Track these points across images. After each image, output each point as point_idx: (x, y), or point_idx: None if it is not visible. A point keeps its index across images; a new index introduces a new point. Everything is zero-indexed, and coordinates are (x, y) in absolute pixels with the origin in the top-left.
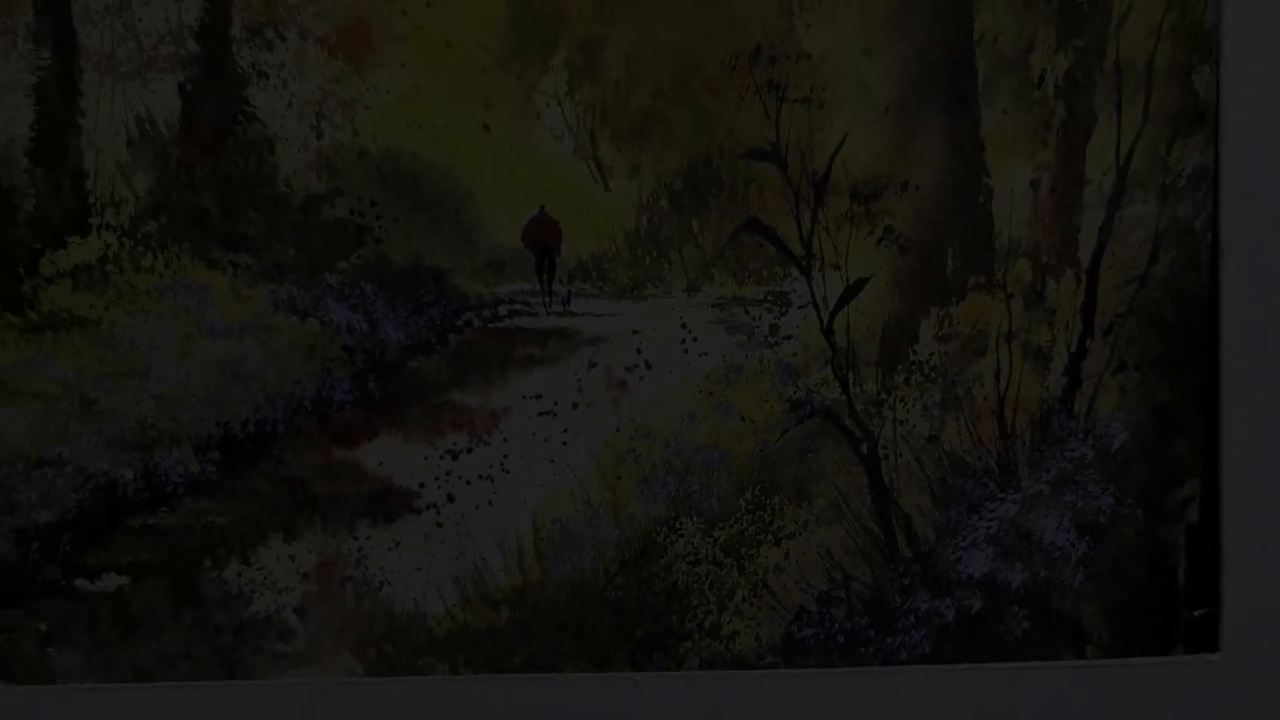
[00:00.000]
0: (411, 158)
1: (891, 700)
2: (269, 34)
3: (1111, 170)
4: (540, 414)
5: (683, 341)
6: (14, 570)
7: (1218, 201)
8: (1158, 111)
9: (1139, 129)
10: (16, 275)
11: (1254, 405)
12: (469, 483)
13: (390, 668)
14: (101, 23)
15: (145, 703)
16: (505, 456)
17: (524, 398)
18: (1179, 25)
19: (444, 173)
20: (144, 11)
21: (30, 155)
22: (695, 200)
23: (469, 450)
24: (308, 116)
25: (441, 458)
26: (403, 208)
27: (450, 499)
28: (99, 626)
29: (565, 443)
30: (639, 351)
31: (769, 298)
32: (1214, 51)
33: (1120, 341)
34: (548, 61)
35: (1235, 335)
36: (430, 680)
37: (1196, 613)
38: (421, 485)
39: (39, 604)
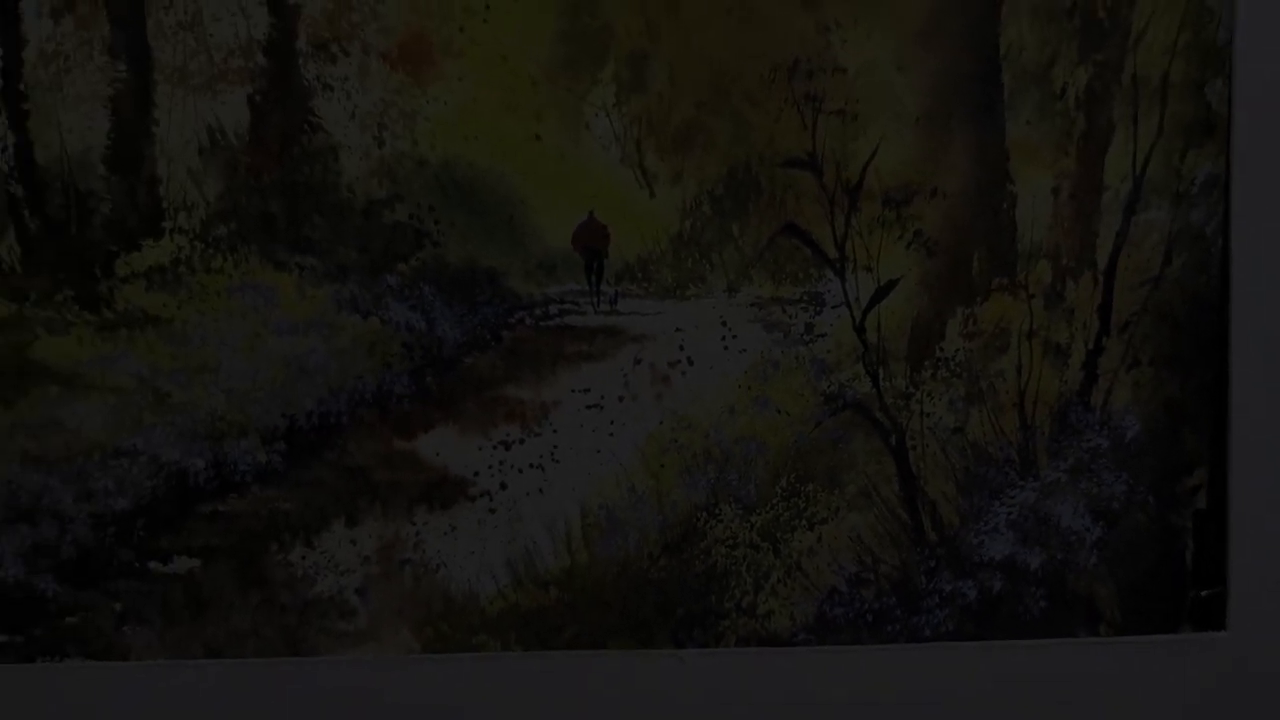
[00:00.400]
0: (468, 166)
1: (917, 675)
2: (333, 49)
3: (1128, 178)
4: (588, 407)
5: (723, 339)
6: (91, 554)
7: (1228, 208)
8: (1172, 123)
9: (1154, 139)
10: (93, 276)
11: (1259, 400)
12: (520, 471)
13: (446, 645)
14: (174, 37)
15: (215, 678)
16: (555, 447)
17: (573, 391)
18: (1193, 42)
19: (498, 180)
20: (215, 27)
21: (106, 162)
22: (735, 205)
23: (521, 441)
24: (370, 126)
25: (495, 448)
26: (459, 213)
27: (503, 486)
28: (171, 606)
29: (612, 434)
30: (681, 348)
31: (804, 298)
32: (1226, 66)
33: (1135, 339)
34: (596, 75)
35: (1243, 334)
36: (483, 657)
37: (1204, 593)
38: (476, 474)
39: (115, 585)
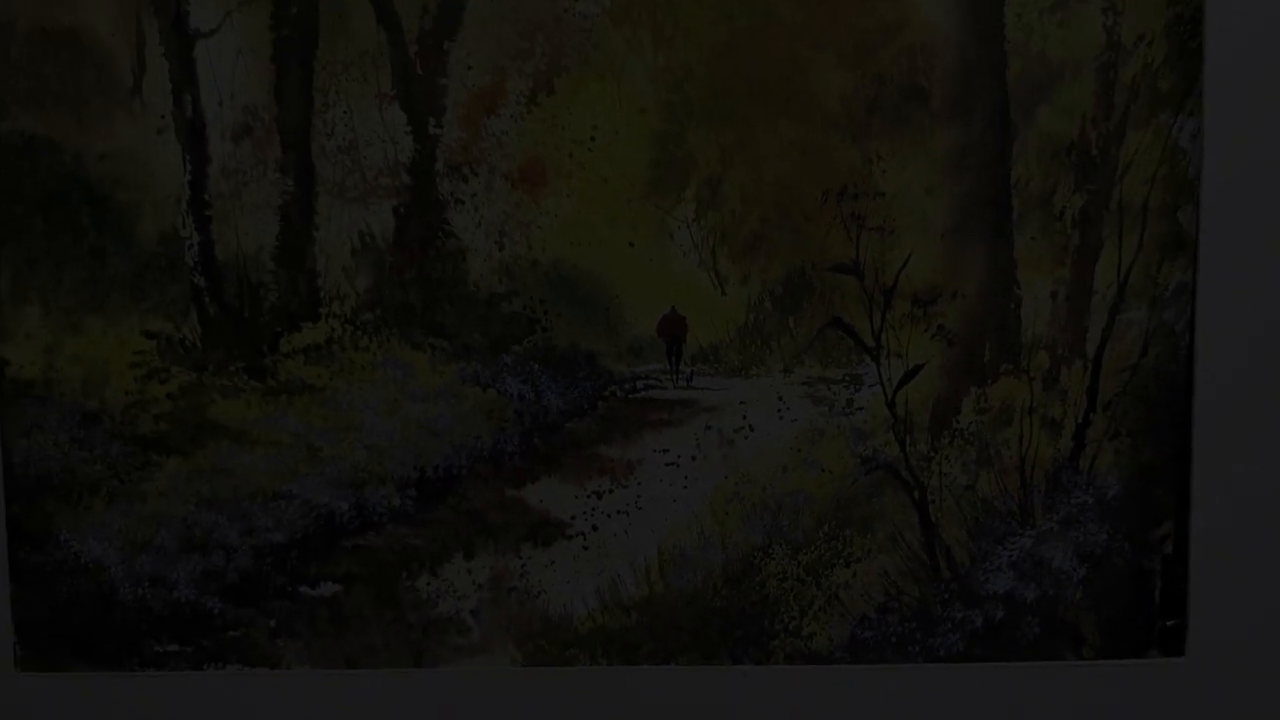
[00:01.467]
0: (572, 267)
1: (933, 688)
2: (465, 170)
3: (1114, 284)
4: (666, 464)
5: (778, 410)
6: (251, 578)
7: (1194, 310)
8: (1150, 240)
9: (1135, 253)
10: (261, 352)
11: (1217, 467)
12: (609, 516)
13: (544, 658)
14: (334, 159)
15: (352, 684)
16: (638, 496)
17: (654, 451)
18: (1169, 175)
19: (597, 278)
20: (368, 151)
21: (275, 259)
22: (791, 303)
23: (610, 491)
24: (493, 233)
25: (588, 497)
26: (565, 305)
27: (594, 528)
28: (317, 623)
29: (685, 486)
30: (744, 418)
31: (846, 378)
32: (1195, 195)
33: (1116, 415)
34: (680, 194)
35: (1204, 413)
36: (575, 669)
37: (1169, 623)
38: (572, 517)
39: (270, 605)
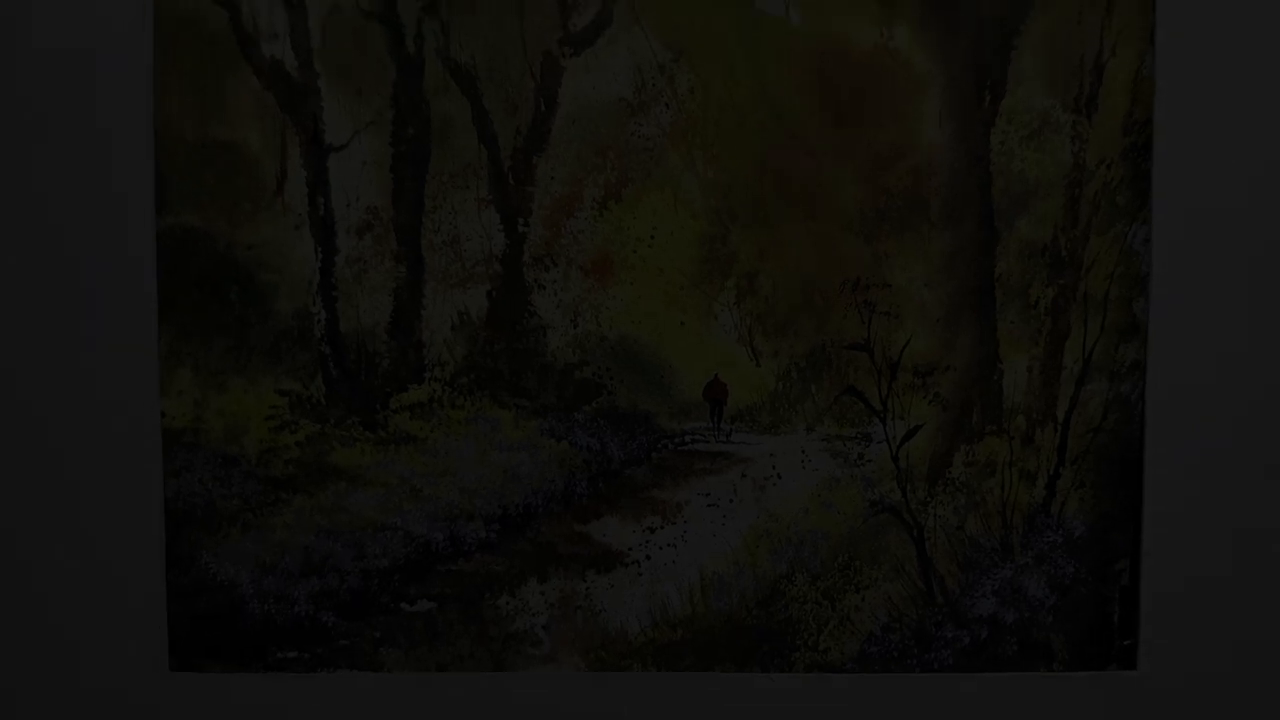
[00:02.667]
0: (634, 341)
1: (928, 695)
2: (547, 261)
3: (1080, 361)
4: (708, 505)
5: (802, 462)
6: (360, 597)
7: (1145, 384)
8: (1110, 326)
9: (1098, 336)
10: (374, 408)
11: (1164, 514)
12: (660, 548)
13: (604, 666)
14: (440, 251)
15: (442, 685)
16: (684, 532)
17: (698, 494)
18: (1125, 273)
19: (654, 352)
20: (467, 244)
21: (388, 332)
22: (814, 373)
23: (661, 527)
24: (568, 313)
25: (643, 532)
26: (627, 373)
27: (647, 558)
28: (414, 634)
29: (723, 524)
30: (773, 468)
31: (858, 436)
32: (1146, 289)
33: (1081, 469)
34: (723, 284)
35: (1154, 469)
36: (629, 675)
37: (1125, 642)
38: (629, 549)
39: (375, 620)
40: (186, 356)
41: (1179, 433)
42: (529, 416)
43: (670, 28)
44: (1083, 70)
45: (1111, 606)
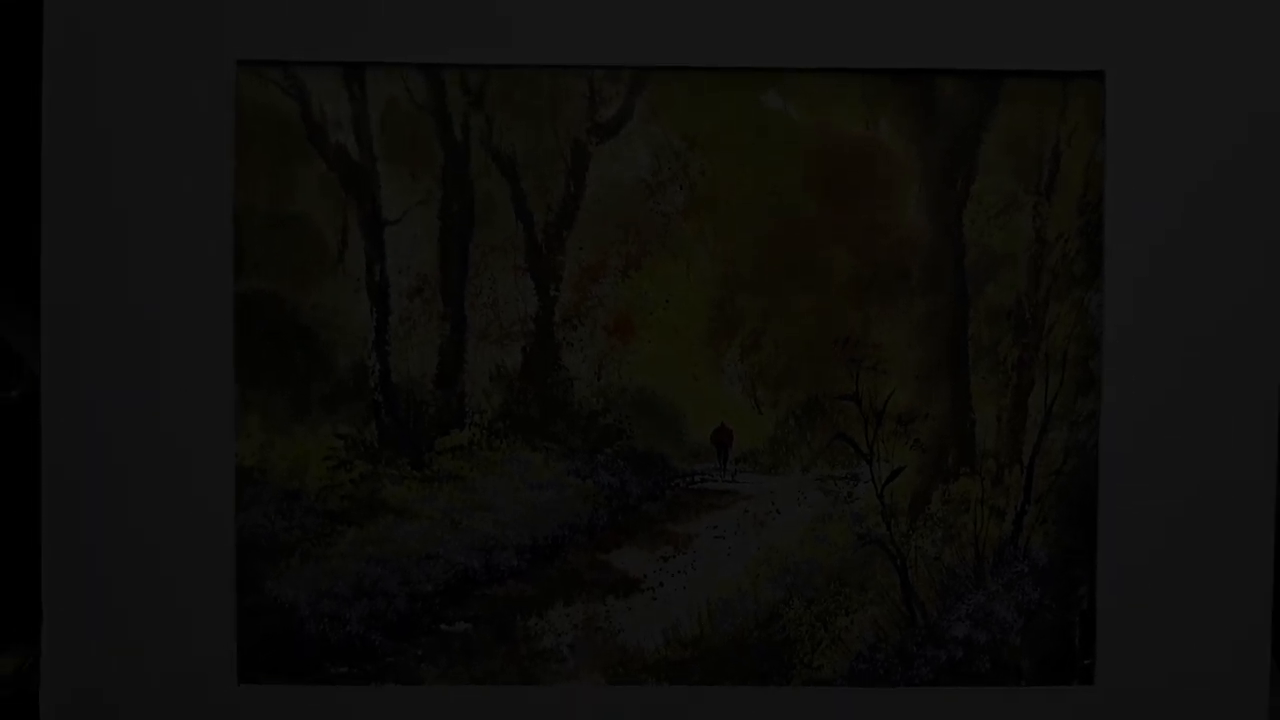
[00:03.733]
0: (651, 392)
1: (910, 707)
2: (575, 322)
3: (1042, 411)
4: (715, 537)
5: (798, 500)
6: (405, 618)
7: (1099, 430)
8: (1069, 380)
9: (1058, 390)
10: (421, 451)
11: (1117, 547)
12: (673, 575)
13: (622, 680)
14: (481, 312)
15: (475, 697)
16: (694, 562)
17: (706, 528)
18: (1081, 333)
19: (669, 401)
20: (505, 306)
21: (434, 383)
22: (809, 421)
23: (674, 557)
24: (593, 367)
25: (658, 560)
26: (645, 420)
27: (661, 584)
28: (452, 652)
29: (729, 555)
30: (773, 504)
31: (848, 476)
32: (1099, 348)
33: (1045, 507)
34: (730, 342)
35: (1107, 507)
36: (645, 688)
37: (1085, 661)
38: (645, 576)
39: (418, 639)
40: (254, 405)
41: (1130, 475)
42: (557, 458)
43: (684, 120)
44: (1042, 158)
45: (1073, 629)
